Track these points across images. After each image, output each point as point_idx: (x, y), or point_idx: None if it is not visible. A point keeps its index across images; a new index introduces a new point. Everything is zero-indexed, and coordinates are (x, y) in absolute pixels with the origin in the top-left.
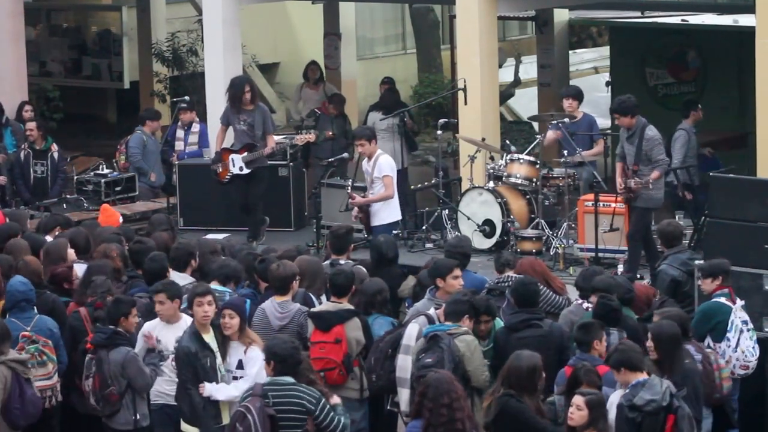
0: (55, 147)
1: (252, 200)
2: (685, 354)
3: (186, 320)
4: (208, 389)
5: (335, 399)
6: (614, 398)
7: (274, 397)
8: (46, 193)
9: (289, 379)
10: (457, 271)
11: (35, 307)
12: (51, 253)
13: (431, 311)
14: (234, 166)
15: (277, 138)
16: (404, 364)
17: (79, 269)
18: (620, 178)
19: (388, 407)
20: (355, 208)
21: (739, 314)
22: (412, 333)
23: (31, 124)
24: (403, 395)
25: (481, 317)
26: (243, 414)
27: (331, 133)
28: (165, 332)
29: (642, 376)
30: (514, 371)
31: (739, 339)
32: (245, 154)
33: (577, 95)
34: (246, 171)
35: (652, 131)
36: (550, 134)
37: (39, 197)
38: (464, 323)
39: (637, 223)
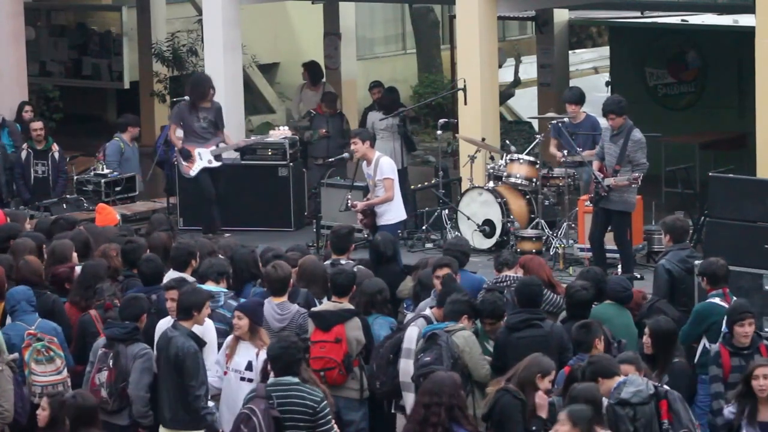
0: (56, 147)
1: (217, 194)
2: (679, 353)
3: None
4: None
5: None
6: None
7: (278, 398)
8: (47, 194)
9: (293, 379)
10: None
11: (36, 311)
12: (56, 253)
13: (427, 311)
14: (202, 159)
15: (277, 138)
16: (407, 368)
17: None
18: (599, 174)
19: (392, 410)
20: (359, 213)
21: None
22: (412, 336)
23: (37, 124)
24: (408, 399)
25: (485, 320)
26: (248, 416)
27: (325, 131)
28: None
29: (620, 379)
30: (527, 370)
31: None
32: (213, 147)
33: (579, 100)
34: (216, 164)
35: (639, 134)
36: (554, 149)
37: (40, 197)
38: (462, 322)
39: (620, 227)
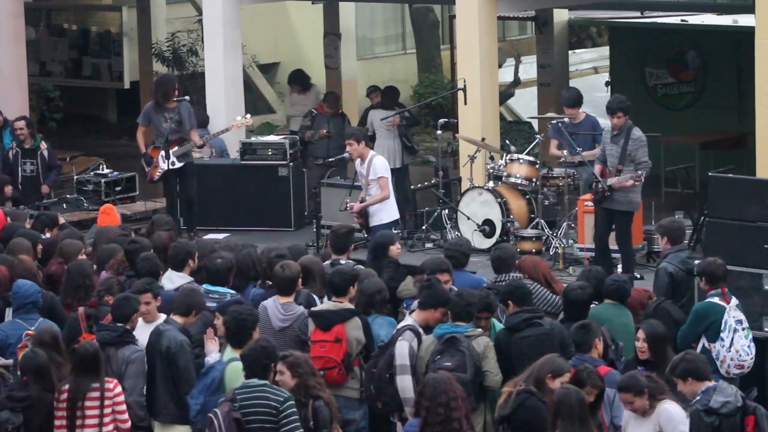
0: (44, 145)
1: (190, 196)
2: (671, 354)
3: (162, 319)
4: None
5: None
6: (627, 416)
7: (242, 399)
8: (36, 191)
9: (259, 381)
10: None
11: (39, 312)
12: (65, 253)
13: (410, 320)
14: (165, 161)
15: (277, 138)
16: (405, 385)
17: None
18: (600, 177)
19: (391, 419)
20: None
21: (733, 313)
22: (403, 352)
23: (20, 123)
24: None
25: (480, 314)
26: (211, 420)
27: (325, 131)
28: (142, 333)
29: (709, 384)
30: (540, 370)
31: (733, 338)
32: (176, 148)
33: (575, 102)
34: (179, 165)
35: (638, 132)
36: (554, 149)
37: (30, 196)
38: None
39: (624, 226)
